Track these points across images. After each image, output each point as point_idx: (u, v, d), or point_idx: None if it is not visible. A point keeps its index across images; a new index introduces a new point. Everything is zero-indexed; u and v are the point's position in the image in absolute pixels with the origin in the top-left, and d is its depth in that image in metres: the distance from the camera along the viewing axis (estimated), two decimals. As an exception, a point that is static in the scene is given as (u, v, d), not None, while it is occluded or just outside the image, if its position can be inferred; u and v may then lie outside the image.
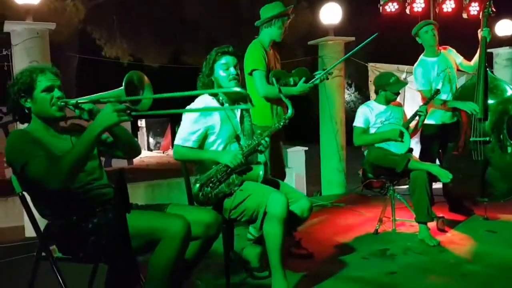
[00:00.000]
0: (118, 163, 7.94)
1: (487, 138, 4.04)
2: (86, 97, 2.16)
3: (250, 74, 3.44)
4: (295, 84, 3.39)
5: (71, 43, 8.47)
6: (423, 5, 6.28)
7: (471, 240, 3.73)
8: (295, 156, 6.30)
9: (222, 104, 2.79)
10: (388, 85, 3.96)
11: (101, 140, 2.27)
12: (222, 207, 2.70)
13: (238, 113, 2.88)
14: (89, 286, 2.49)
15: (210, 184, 2.65)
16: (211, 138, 2.78)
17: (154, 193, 5.46)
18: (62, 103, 2.11)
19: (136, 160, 9.60)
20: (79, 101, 2.08)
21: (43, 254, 2.12)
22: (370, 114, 4.02)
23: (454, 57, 4.45)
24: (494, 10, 4.27)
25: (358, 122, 4.03)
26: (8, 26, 4.34)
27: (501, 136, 4.06)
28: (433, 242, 3.59)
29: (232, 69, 2.76)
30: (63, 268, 2.11)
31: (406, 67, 6.15)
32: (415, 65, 4.46)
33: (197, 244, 2.26)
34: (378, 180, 4.16)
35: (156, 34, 9.43)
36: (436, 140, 4.40)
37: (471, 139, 4.08)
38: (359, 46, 3.79)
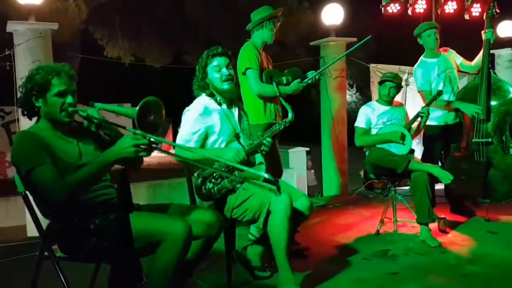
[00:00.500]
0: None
1: (490, 139, 4.03)
2: (97, 104, 2.18)
3: (244, 73, 3.51)
4: (288, 83, 3.49)
5: (73, 43, 8.47)
6: (425, 6, 6.27)
7: (473, 241, 3.73)
8: (297, 156, 6.30)
9: (219, 104, 2.82)
10: None
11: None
12: (224, 207, 2.71)
13: (236, 113, 2.91)
14: (91, 286, 2.49)
15: (213, 180, 2.66)
16: (212, 138, 2.80)
17: (155, 193, 5.46)
18: (73, 111, 2.11)
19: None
20: (89, 113, 2.10)
21: (46, 253, 2.12)
22: (372, 115, 4.02)
23: (454, 58, 4.45)
24: (498, 11, 4.27)
25: (360, 123, 4.04)
26: (10, 26, 4.35)
27: (504, 137, 4.05)
28: (434, 243, 3.59)
29: (224, 70, 2.79)
30: (65, 267, 2.12)
31: (407, 68, 6.15)
32: (415, 66, 4.46)
33: (199, 243, 2.26)
34: (379, 181, 4.16)
35: (158, 34, 9.43)
36: (438, 141, 4.40)
37: (473, 140, 4.08)
38: (351, 49, 3.85)
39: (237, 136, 2.84)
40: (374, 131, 4.01)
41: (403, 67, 6.32)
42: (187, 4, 8.90)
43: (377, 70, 6.55)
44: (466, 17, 6.36)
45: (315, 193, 6.14)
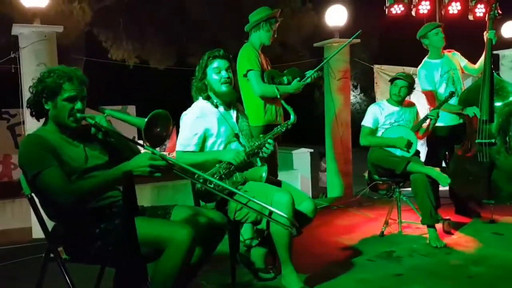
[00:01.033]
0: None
1: (493, 140, 4.02)
2: (107, 111, 2.20)
3: (245, 75, 3.51)
4: (289, 83, 3.53)
5: (78, 46, 8.52)
6: (428, 7, 6.26)
7: (477, 242, 3.72)
8: (301, 158, 6.31)
9: (216, 106, 2.83)
10: None
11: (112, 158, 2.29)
12: (226, 207, 2.72)
13: (234, 114, 2.93)
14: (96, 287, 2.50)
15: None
16: (210, 140, 2.81)
17: (159, 195, 5.48)
18: (81, 117, 2.12)
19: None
20: (97, 121, 2.11)
21: (51, 255, 2.13)
22: (380, 115, 4.00)
23: (458, 60, 4.44)
24: (500, 12, 4.26)
25: (367, 122, 4.02)
26: (16, 29, 4.38)
27: (507, 138, 4.04)
28: (438, 244, 3.58)
29: (223, 72, 2.80)
30: (70, 269, 2.13)
31: (412, 69, 6.12)
32: (419, 66, 4.46)
33: (203, 245, 2.27)
34: (383, 182, 4.16)
35: (162, 36, 9.46)
36: (442, 142, 4.39)
37: (476, 141, 4.07)
38: (343, 45, 3.85)
39: (236, 136, 2.85)
40: (380, 131, 4.00)
41: (407, 68, 6.30)
42: (191, 5, 8.93)
43: (381, 71, 6.55)
44: (470, 17, 6.35)
45: (320, 195, 6.13)
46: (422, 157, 4.34)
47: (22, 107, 4.46)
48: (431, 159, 4.32)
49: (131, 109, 8.29)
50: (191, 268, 2.30)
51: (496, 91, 4.09)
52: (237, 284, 2.83)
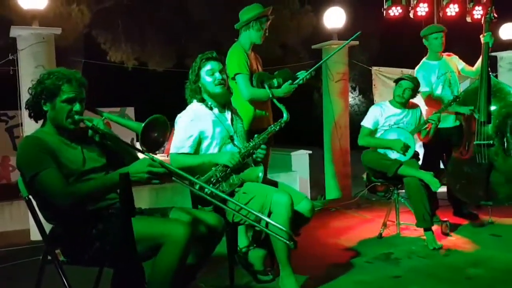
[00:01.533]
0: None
1: (491, 142, 4.03)
2: (105, 114, 2.20)
3: (233, 78, 3.41)
4: (279, 86, 3.39)
5: (76, 48, 8.51)
6: (427, 9, 6.27)
7: (475, 244, 3.73)
8: (299, 159, 6.29)
9: (211, 109, 2.83)
10: None
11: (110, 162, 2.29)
12: (223, 210, 2.71)
13: (228, 116, 2.93)
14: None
15: (210, 185, 2.67)
16: (205, 143, 2.82)
17: (158, 197, 5.46)
18: (79, 119, 2.12)
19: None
20: (94, 124, 2.11)
21: (49, 257, 2.13)
22: (381, 116, 3.98)
23: (456, 63, 4.48)
24: (496, 15, 4.29)
25: (367, 123, 4.02)
26: (14, 31, 4.38)
27: (505, 140, 4.06)
28: (433, 246, 3.59)
29: (217, 74, 2.80)
30: (68, 271, 2.13)
31: (410, 71, 6.14)
32: (417, 67, 4.48)
33: (201, 246, 2.27)
34: (382, 184, 4.16)
35: (161, 38, 9.46)
36: (439, 144, 4.39)
37: (474, 142, 4.08)
38: (340, 47, 3.85)
39: (231, 138, 2.85)
40: (379, 132, 3.99)
41: (405, 70, 6.32)
42: (191, 6, 8.93)
43: (380, 73, 6.55)
44: (468, 19, 6.36)
45: (318, 196, 6.13)
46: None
47: (21, 109, 4.45)
48: (428, 161, 4.33)
49: (130, 110, 8.27)
50: (189, 270, 2.30)
51: (494, 93, 4.11)
52: (235, 286, 2.84)
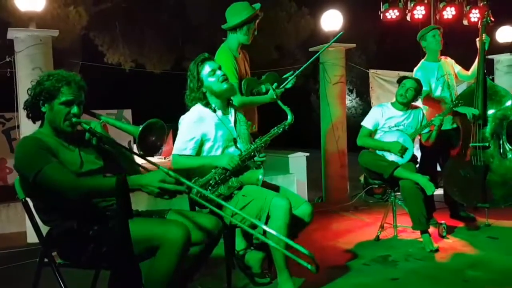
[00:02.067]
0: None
1: (487, 144, 4.05)
2: (103, 117, 2.20)
3: None
4: (266, 92, 3.35)
5: (74, 50, 8.50)
6: (423, 12, 6.30)
7: (473, 246, 3.73)
8: (297, 162, 6.31)
9: (214, 110, 2.83)
10: None
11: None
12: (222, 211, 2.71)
13: (232, 119, 2.92)
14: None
15: (209, 187, 2.67)
16: (207, 145, 2.81)
17: (156, 199, 5.46)
18: (76, 122, 2.12)
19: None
20: (92, 127, 2.11)
21: (46, 260, 2.13)
22: (381, 117, 3.96)
23: (453, 66, 4.51)
24: (493, 19, 4.30)
25: (367, 123, 4.01)
26: (11, 33, 4.37)
27: (501, 142, 4.07)
28: (430, 248, 3.59)
29: (218, 72, 2.81)
30: (65, 274, 2.12)
31: (407, 74, 6.16)
32: (416, 68, 4.49)
33: (198, 249, 2.27)
34: (379, 186, 4.15)
35: (158, 40, 9.46)
36: (436, 147, 4.40)
37: (470, 144, 4.09)
38: (323, 49, 3.97)
39: (234, 141, 2.85)
40: (379, 134, 3.97)
41: (402, 73, 6.32)
42: (189, 8, 8.93)
43: (377, 76, 6.57)
44: (465, 22, 6.39)
45: (315, 198, 6.14)
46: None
47: (18, 111, 4.44)
48: (425, 164, 4.33)
49: (127, 113, 8.27)
50: (187, 272, 2.30)
51: (489, 96, 4.13)
52: (232, 288, 2.83)
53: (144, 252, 2.02)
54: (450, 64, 4.49)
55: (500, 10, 4.68)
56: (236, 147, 2.84)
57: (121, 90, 13.94)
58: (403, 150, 3.78)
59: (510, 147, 4.05)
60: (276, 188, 2.89)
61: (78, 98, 2.14)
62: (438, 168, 4.73)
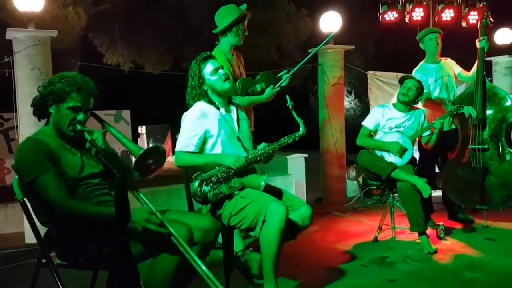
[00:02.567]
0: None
1: (486, 146, 4.05)
2: (110, 129, 2.20)
3: None
4: (262, 91, 3.36)
5: (73, 50, 8.50)
6: (422, 14, 6.31)
7: (471, 248, 3.73)
8: (295, 163, 6.30)
9: (218, 108, 2.82)
10: None
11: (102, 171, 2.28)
12: (220, 212, 2.71)
13: (234, 117, 2.91)
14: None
15: (210, 184, 2.66)
16: (210, 142, 2.79)
17: (154, 200, 5.45)
18: (80, 130, 2.11)
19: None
20: (93, 138, 2.10)
21: (44, 260, 2.12)
22: (382, 118, 3.95)
23: (453, 67, 4.50)
24: (492, 20, 4.31)
25: (367, 123, 4.00)
26: (10, 34, 4.36)
27: (500, 144, 4.07)
28: (428, 249, 3.59)
29: (221, 71, 2.80)
30: (63, 274, 2.12)
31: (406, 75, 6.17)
32: (415, 70, 4.50)
33: (195, 250, 2.26)
34: (377, 187, 4.16)
35: (158, 41, 9.47)
36: (434, 148, 4.40)
37: (469, 146, 4.10)
38: (317, 48, 3.91)
39: (239, 140, 2.83)
40: (379, 134, 3.97)
41: (401, 74, 6.32)
42: (188, 9, 8.94)
43: (375, 77, 6.58)
44: (463, 24, 6.41)
45: (313, 200, 6.14)
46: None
47: (16, 111, 4.44)
48: (424, 165, 4.33)
49: (126, 113, 8.27)
50: (185, 274, 2.29)
51: (489, 98, 4.13)
52: (231, 289, 2.82)
53: (141, 253, 2.02)
54: (450, 65, 4.49)
55: (498, 11, 4.69)
56: (242, 146, 2.82)
57: (120, 90, 13.92)
58: (402, 151, 3.78)
59: (509, 149, 4.06)
60: (279, 192, 2.85)
61: (86, 106, 2.13)
62: (437, 170, 4.73)
